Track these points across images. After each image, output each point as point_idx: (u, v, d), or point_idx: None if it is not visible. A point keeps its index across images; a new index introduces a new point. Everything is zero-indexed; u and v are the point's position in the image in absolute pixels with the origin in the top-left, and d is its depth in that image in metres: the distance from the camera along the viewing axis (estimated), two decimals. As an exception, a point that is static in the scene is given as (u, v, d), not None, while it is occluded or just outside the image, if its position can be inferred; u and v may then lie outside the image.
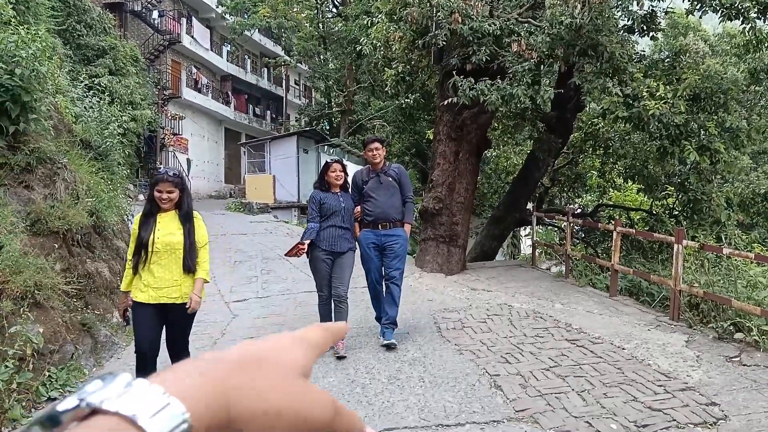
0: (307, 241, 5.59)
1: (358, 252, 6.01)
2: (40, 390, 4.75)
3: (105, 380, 0.38)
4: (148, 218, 4.27)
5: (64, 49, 16.08)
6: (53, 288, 5.39)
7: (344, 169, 5.81)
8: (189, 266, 4.27)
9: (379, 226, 5.85)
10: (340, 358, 5.58)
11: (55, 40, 15.23)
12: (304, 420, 0.43)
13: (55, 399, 4.78)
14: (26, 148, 6.18)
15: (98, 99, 10.75)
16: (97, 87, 16.27)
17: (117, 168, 8.98)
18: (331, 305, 5.79)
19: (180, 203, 4.22)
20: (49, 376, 4.91)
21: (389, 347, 5.83)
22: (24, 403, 4.51)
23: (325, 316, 5.85)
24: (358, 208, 5.90)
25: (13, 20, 6.63)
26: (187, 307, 4.26)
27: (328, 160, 5.89)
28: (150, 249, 4.18)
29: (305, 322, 6.92)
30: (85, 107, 9.48)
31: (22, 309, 4.89)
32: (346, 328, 0.59)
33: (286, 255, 5.95)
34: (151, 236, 4.17)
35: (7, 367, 4.44)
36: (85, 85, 11.94)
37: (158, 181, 4.20)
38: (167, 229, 4.25)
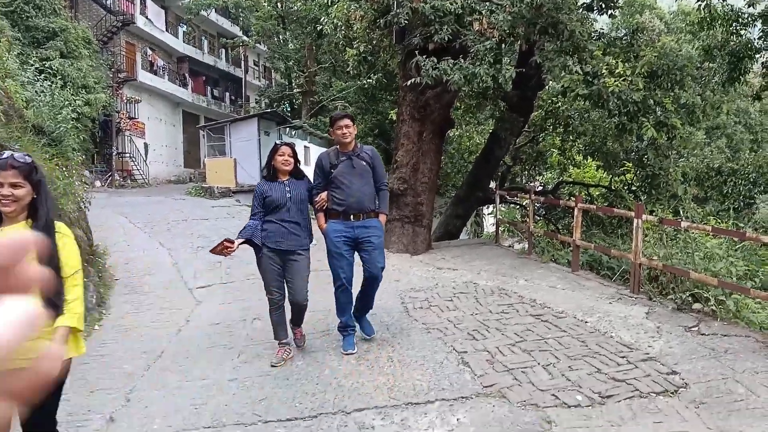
0: (238, 241, 4.75)
1: (317, 249, 5.38)
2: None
3: None
4: None
5: (12, 31, 15.49)
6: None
7: (295, 154, 5.03)
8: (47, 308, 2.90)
9: (352, 217, 5.08)
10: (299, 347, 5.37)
11: (2, 22, 14.65)
12: None
13: None
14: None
15: (50, 83, 10.39)
16: (49, 70, 15.71)
17: (72, 154, 8.72)
18: (284, 311, 5.12)
19: (33, 209, 2.65)
20: (8, 369, 4.77)
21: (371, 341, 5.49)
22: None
23: (279, 325, 5.14)
24: (324, 195, 5.11)
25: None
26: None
27: (277, 143, 5.16)
28: None
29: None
30: (36, 91, 9.16)
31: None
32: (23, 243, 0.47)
33: (211, 251, 4.80)
34: None
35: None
36: (36, 68, 11.52)
37: None
38: None
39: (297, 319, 5.33)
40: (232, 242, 4.67)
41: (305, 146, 25.91)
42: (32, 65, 11.48)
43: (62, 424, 4.07)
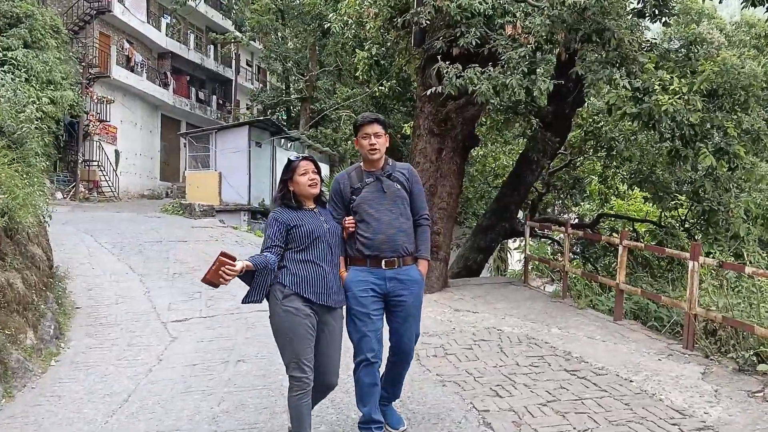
0: (243, 263, 3.74)
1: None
2: (-64, 425, 4.60)
3: None
4: None
5: (-30, 15, 15.75)
6: (-45, 302, 5.24)
7: (318, 170, 4.19)
8: None
9: (383, 263, 4.19)
10: None
11: (-40, 5, 14.90)
12: None
13: (-45, 436, 4.63)
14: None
15: (12, 76, 10.53)
16: (11, 62, 15.93)
17: (34, 159, 8.79)
18: (310, 396, 3.96)
19: None
20: (-51, 408, 4.76)
21: None
22: None
23: (304, 417, 3.93)
24: (349, 219, 4.29)
25: None
26: None
27: (292, 158, 4.20)
28: None
29: (257, 348, 6.87)
30: (-5, 85, 9.27)
31: None
32: None
33: (203, 280, 3.67)
34: None
35: None
36: (-4, 59, 11.69)
37: None
38: None
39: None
40: (233, 259, 3.65)
41: (302, 161, 26.02)
42: (-8, 55, 11.67)
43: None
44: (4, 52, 16.70)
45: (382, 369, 4.44)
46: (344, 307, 4.17)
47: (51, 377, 6.09)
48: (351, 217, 4.24)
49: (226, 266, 3.57)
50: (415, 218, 4.37)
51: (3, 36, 18.33)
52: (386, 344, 4.37)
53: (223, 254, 3.61)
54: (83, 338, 7.39)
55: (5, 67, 13.20)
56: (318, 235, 4.05)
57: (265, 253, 3.93)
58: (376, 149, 4.23)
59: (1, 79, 9.97)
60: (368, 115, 4.39)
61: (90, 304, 8.78)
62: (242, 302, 4.00)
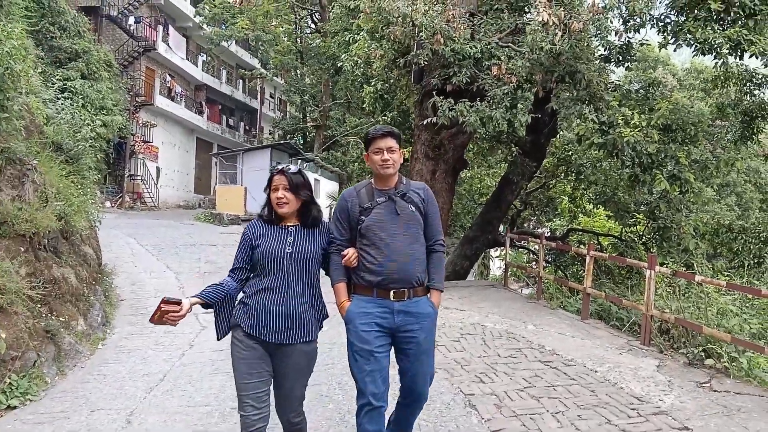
0: (190, 300, 3.00)
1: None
2: (-1, 398, 4.56)
3: None
4: None
5: (36, 50, 15.79)
6: (17, 293, 5.21)
7: (296, 186, 3.15)
8: None
9: (392, 294, 3.21)
10: None
11: (28, 41, 14.95)
12: None
13: (15, 408, 4.59)
14: (-8, 146, 5.99)
15: (71, 102, 10.53)
16: (70, 90, 15.96)
17: (88, 172, 8.79)
18: None
19: None
20: (10, 383, 4.73)
21: None
22: (-18, 412, 4.32)
23: None
24: (349, 252, 3.25)
25: (-12, 16, 6.47)
26: None
27: (271, 170, 3.35)
28: None
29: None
30: (57, 109, 9.28)
31: (-16, 313, 4.70)
32: None
33: (151, 321, 2.96)
34: None
35: (-35, 373, 4.25)
36: (58, 87, 11.70)
37: None
38: None
39: None
40: (178, 303, 2.92)
41: (316, 179, 26.05)
42: (54, 84, 11.66)
43: (61, 443, 4.01)
44: (65, 82, 16.70)
45: (390, 411, 3.42)
46: (311, 340, 3.16)
47: (98, 359, 6.04)
48: (352, 251, 3.23)
49: (170, 313, 2.90)
50: (429, 243, 3.34)
51: (64, 68, 18.37)
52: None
53: (164, 301, 2.91)
54: (126, 326, 7.34)
55: (65, 94, 13.22)
56: (273, 258, 3.06)
57: (225, 280, 3.13)
58: (389, 165, 3.24)
59: (62, 104, 9.95)
60: (381, 127, 3.33)
61: (133, 297, 8.73)
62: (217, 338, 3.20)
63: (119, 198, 24.23)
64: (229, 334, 3.13)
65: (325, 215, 3.44)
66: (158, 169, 27.95)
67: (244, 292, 3.15)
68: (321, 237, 3.25)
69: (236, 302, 3.16)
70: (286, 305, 3.04)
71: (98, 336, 6.64)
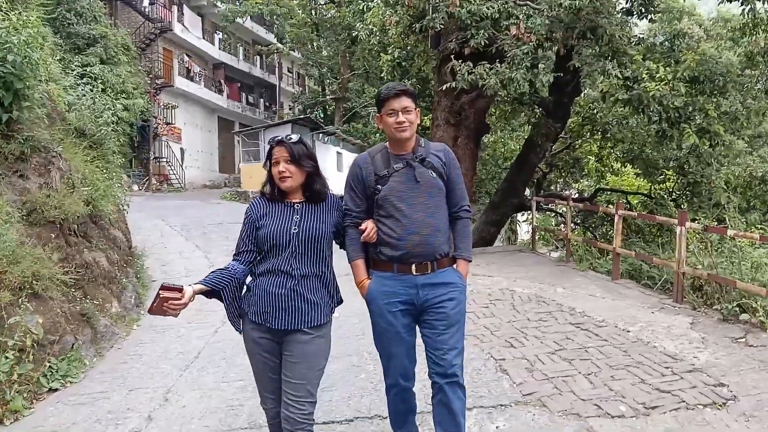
0: (193, 288, 2.72)
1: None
2: (41, 381, 4.70)
3: None
4: None
5: (54, 38, 15.91)
6: (51, 278, 5.32)
7: (298, 157, 2.82)
8: None
9: (414, 268, 2.94)
10: None
11: (45, 29, 15.06)
12: None
13: (56, 390, 4.73)
14: (20, 136, 6.08)
15: (91, 87, 10.62)
16: (90, 76, 16.10)
17: (112, 157, 8.89)
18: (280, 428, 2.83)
19: None
20: (50, 366, 4.86)
21: None
22: (25, 395, 4.47)
23: None
24: (368, 226, 2.98)
25: (3, 6, 6.50)
26: None
27: (270, 141, 2.94)
28: None
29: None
30: (77, 96, 9.36)
31: (20, 299, 4.83)
32: None
33: (149, 311, 2.70)
34: None
35: (7, 358, 4.40)
36: (77, 73, 11.80)
37: None
38: None
39: None
40: (179, 290, 2.62)
41: (338, 152, 26.01)
42: (73, 70, 11.76)
43: (102, 421, 4.14)
44: (84, 68, 16.85)
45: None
46: (320, 325, 2.83)
47: (133, 340, 6.18)
48: (371, 225, 2.95)
49: (170, 301, 2.58)
50: (453, 210, 3.04)
51: (83, 54, 18.51)
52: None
53: (163, 288, 2.59)
54: (159, 306, 7.47)
55: (85, 80, 13.32)
56: (278, 239, 2.77)
57: (230, 264, 2.87)
58: (404, 127, 2.89)
59: (82, 90, 10.04)
60: (394, 85, 2.96)
61: (164, 278, 8.86)
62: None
63: (146, 181, 24.55)
64: None
65: None
66: (182, 150, 28.18)
67: (250, 281, 2.88)
68: (331, 212, 2.93)
69: (244, 289, 2.90)
70: (290, 288, 2.76)
71: (132, 317, 6.79)
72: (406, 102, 2.89)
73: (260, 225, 2.83)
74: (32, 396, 4.57)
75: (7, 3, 6.83)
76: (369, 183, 2.97)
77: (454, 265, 3.04)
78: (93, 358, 5.48)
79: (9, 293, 4.77)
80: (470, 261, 3.10)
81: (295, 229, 2.79)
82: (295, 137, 2.87)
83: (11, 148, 5.99)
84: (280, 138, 2.86)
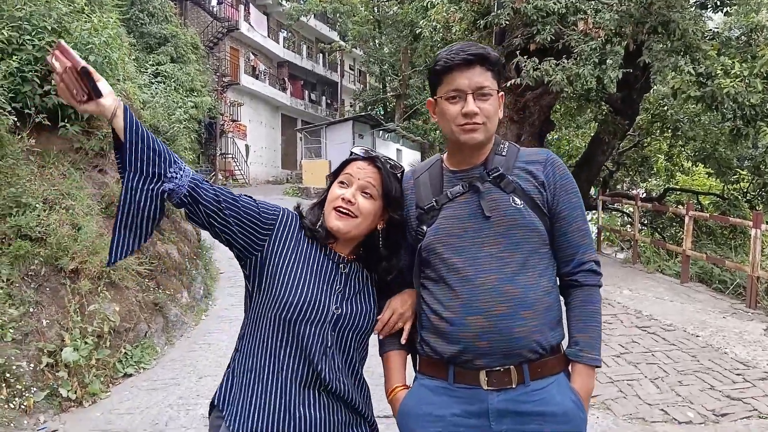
0: (113, 100, 1.50)
1: None
2: (116, 366, 4.95)
3: None
4: None
5: (128, 37, 16.60)
6: (127, 269, 5.60)
7: (385, 189, 1.68)
8: None
9: (482, 377, 1.56)
10: None
11: (120, 29, 15.74)
12: None
13: (131, 375, 4.98)
14: (99, 133, 6.40)
15: (163, 86, 11.03)
16: (162, 74, 16.71)
17: (184, 153, 9.22)
18: None
19: None
20: (125, 353, 5.11)
21: None
22: (102, 379, 4.71)
23: None
24: (391, 309, 1.73)
25: (85, 8, 6.84)
26: None
27: (357, 151, 1.73)
28: None
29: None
30: (151, 94, 9.75)
31: (99, 288, 5.10)
32: None
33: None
34: None
35: (86, 343, 4.65)
36: (151, 72, 12.29)
37: None
38: None
39: None
40: (96, 81, 1.47)
41: (398, 149, 26.06)
42: (147, 69, 12.25)
43: (173, 406, 4.33)
44: (157, 66, 17.51)
45: None
46: None
47: (202, 329, 6.42)
48: (398, 303, 1.74)
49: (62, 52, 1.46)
50: (566, 270, 1.68)
51: (155, 53, 19.21)
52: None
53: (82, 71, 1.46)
54: (226, 297, 7.73)
55: (158, 78, 13.87)
56: (305, 314, 1.61)
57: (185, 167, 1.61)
58: (476, 124, 1.59)
59: (156, 88, 10.45)
60: (463, 47, 1.60)
61: (231, 270, 9.15)
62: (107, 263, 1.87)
63: (213, 176, 25.27)
64: None
65: None
66: (247, 147, 28.87)
67: (234, 369, 1.73)
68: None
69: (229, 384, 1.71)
70: (315, 404, 1.61)
71: (201, 307, 7.04)
72: (480, 77, 1.58)
73: (277, 257, 1.67)
74: (108, 380, 4.82)
75: (87, 6, 7.19)
76: (410, 222, 1.73)
77: (566, 370, 1.65)
78: (164, 345, 5.73)
79: (89, 282, 5.04)
80: (598, 367, 1.67)
81: (336, 308, 1.64)
82: (392, 159, 1.77)
83: (91, 144, 6.31)
84: (371, 152, 1.73)
